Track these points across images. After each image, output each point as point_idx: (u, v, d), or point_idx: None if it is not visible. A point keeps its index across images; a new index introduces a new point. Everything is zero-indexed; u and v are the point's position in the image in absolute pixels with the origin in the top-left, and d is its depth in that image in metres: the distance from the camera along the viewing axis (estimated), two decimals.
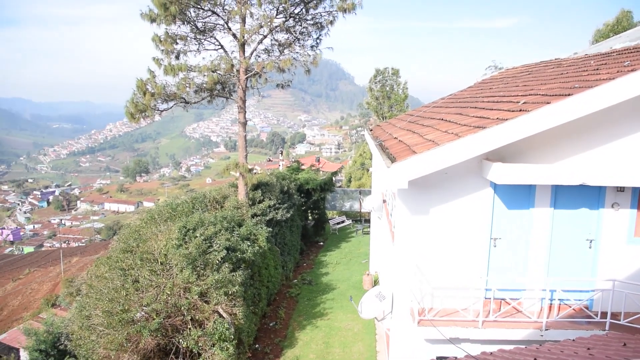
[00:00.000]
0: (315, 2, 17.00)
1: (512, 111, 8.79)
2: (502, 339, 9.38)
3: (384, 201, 15.66)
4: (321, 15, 17.60)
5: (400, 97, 42.46)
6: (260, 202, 18.38)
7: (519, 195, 9.66)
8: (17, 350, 22.86)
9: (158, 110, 15.93)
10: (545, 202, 9.60)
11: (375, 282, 18.68)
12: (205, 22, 17.03)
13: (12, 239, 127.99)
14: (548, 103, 8.10)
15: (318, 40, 18.28)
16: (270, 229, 17.01)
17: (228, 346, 11.18)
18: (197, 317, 11.38)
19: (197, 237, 12.33)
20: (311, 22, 17.89)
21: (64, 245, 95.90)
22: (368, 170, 47.29)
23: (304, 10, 17.24)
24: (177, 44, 16.76)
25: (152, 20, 15.94)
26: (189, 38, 17.01)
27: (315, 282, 20.34)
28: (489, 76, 20.80)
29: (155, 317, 10.74)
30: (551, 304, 9.91)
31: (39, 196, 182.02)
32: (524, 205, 9.71)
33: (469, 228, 9.80)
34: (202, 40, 17.35)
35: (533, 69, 15.62)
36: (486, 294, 9.96)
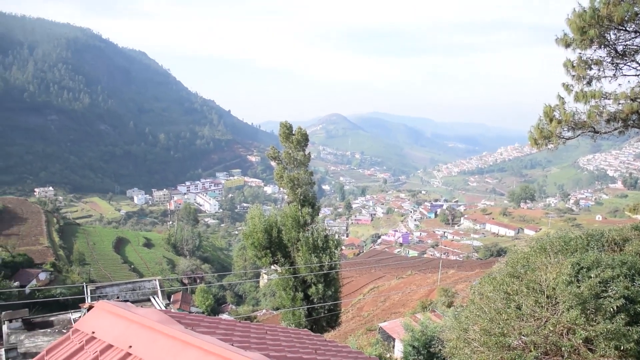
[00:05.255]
0: None
1: None
2: None
3: None
4: None
5: None
6: None
7: None
8: (394, 339, 25.43)
9: (563, 138, 15.32)
10: None
11: None
12: (626, 45, 15.55)
13: (401, 242, 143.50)
14: None
15: None
16: None
17: None
18: None
19: (591, 277, 11.36)
20: None
21: (443, 256, 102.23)
22: None
23: None
24: (590, 69, 15.79)
25: (567, 45, 15.43)
26: (604, 63, 15.80)
27: None
28: None
29: (532, 349, 10.37)
30: None
31: (429, 207, 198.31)
32: None
33: None
34: (621, 65, 15.89)
35: None
36: None
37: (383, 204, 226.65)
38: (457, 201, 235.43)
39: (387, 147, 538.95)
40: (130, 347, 4.32)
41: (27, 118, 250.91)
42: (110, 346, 4.44)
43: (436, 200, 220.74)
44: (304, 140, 30.85)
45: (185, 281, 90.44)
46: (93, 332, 4.64)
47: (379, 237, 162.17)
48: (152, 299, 24.71)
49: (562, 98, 15.24)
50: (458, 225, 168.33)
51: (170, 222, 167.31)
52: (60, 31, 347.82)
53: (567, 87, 15.65)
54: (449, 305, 29.43)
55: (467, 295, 26.68)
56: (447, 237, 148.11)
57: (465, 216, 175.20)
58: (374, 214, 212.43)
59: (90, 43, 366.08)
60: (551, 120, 14.84)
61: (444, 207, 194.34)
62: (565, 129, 15.25)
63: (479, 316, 11.70)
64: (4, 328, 19.23)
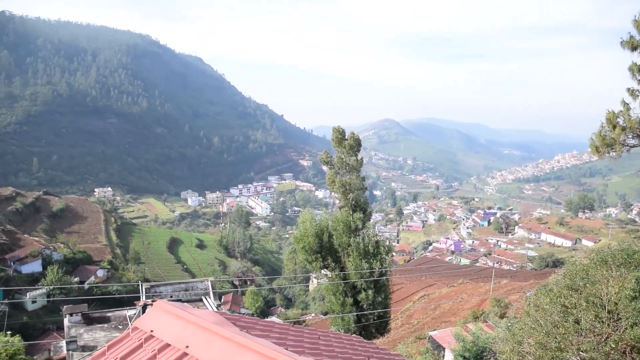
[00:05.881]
0: None
1: None
2: None
3: None
4: None
5: None
6: None
7: None
8: (444, 348, 24.94)
9: (627, 145, 14.68)
10: None
11: None
12: None
13: (453, 249, 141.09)
14: None
15: None
16: None
17: None
18: None
19: None
20: None
21: (496, 265, 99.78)
22: None
23: None
24: None
25: (633, 48, 14.83)
26: None
27: None
28: None
29: None
30: None
31: (482, 215, 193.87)
32: None
33: None
34: None
35: None
36: None
37: (435, 211, 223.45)
38: (511, 209, 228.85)
39: (439, 153, 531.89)
40: (187, 347, 4.41)
41: (89, 121, 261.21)
42: (167, 345, 4.54)
43: (490, 208, 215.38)
44: (356, 145, 30.69)
45: (236, 282, 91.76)
46: (152, 331, 4.76)
47: (430, 244, 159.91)
48: (204, 300, 25.15)
49: (627, 104, 14.62)
50: (512, 234, 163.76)
51: (223, 224, 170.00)
52: (121, 38, 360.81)
53: (632, 92, 15.01)
54: (502, 316, 28.65)
55: (521, 307, 25.92)
56: (500, 245, 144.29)
57: (520, 225, 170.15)
58: (426, 221, 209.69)
59: (149, 49, 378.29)
60: (614, 127, 14.26)
61: (498, 215, 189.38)
62: (630, 136, 14.62)
63: (534, 329, 11.34)
64: (65, 321, 20.01)
